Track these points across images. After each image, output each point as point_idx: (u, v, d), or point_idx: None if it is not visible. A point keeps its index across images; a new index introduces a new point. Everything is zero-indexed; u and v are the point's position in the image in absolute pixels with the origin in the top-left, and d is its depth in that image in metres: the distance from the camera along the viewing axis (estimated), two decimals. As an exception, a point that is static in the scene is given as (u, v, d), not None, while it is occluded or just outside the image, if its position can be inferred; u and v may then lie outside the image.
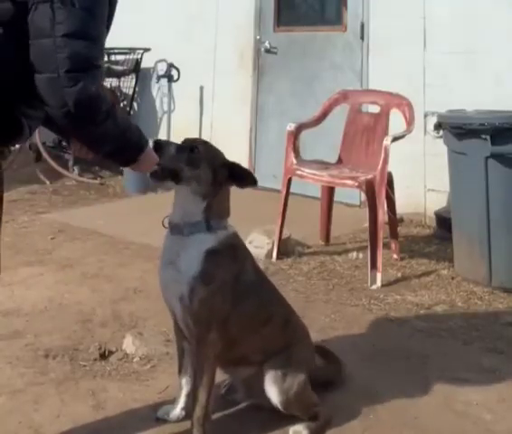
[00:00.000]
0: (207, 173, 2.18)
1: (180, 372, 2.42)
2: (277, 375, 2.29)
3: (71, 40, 1.79)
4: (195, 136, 6.19)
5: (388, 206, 4.14)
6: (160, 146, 2.18)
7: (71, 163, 6.29)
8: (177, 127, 6.31)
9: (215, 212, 2.22)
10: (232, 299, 2.22)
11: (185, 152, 2.20)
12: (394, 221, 4.25)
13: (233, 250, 2.26)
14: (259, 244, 4.17)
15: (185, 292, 2.16)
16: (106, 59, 6.64)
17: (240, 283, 2.24)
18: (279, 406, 2.31)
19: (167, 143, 2.26)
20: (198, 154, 2.20)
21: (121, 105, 6.76)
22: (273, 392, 2.30)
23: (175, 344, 2.45)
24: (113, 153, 1.99)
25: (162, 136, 6.39)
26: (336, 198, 4.52)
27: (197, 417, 2.22)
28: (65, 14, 1.78)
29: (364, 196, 4.13)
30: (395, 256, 4.21)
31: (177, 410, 2.43)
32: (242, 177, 2.26)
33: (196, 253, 2.17)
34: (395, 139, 3.95)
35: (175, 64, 6.40)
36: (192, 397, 2.28)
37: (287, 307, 2.45)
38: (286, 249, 4.22)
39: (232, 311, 2.22)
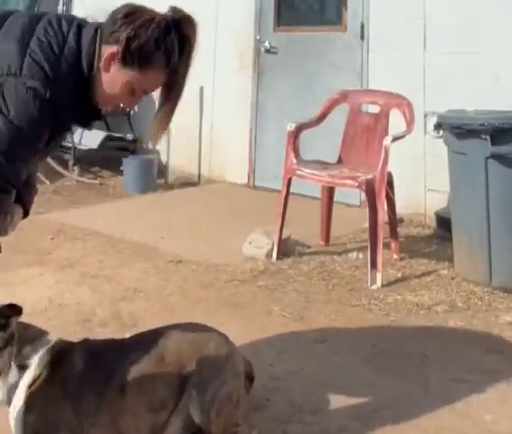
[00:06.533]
0: None
1: None
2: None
3: None
4: (196, 135, 6.20)
5: (388, 206, 4.14)
6: None
7: (71, 163, 6.30)
8: (177, 127, 6.28)
9: None
10: None
11: None
12: (394, 221, 4.25)
13: None
14: (259, 244, 4.17)
15: None
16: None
17: None
18: None
19: None
20: None
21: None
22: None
23: None
24: None
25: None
26: (336, 198, 4.51)
27: None
28: None
29: (364, 196, 4.13)
30: (395, 256, 4.21)
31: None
32: None
33: None
34: (395, 139, 3.95)
35: (175, 64, 6.39)
36: None
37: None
38: (286, 249, 4.22)
39: None
